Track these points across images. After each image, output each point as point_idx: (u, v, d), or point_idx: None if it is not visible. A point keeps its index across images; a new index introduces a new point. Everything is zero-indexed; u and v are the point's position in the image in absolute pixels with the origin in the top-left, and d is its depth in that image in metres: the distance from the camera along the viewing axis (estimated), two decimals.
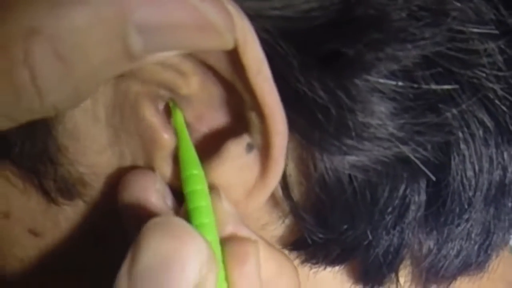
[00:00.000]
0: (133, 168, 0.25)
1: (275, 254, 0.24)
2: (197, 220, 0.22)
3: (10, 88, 0.19)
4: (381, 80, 0.22)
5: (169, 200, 0.25)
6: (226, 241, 0.23)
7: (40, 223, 0.27)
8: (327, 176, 0.23)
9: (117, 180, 0.25)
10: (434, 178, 0.24)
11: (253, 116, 0.23)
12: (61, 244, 0.27)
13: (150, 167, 0.25)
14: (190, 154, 0.24)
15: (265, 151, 0.23)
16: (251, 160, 0.23)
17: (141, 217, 0.23)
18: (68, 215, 0.27)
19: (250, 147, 0.23)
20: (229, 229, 0.23)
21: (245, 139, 0.23)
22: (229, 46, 0.20)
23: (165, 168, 0.24)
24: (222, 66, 0.22)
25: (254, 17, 0.21)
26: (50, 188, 0.26)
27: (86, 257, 0.28)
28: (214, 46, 0.20)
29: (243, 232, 0.23)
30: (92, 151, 0.25)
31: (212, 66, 0.22)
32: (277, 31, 0.21)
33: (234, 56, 0.21)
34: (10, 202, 0.27)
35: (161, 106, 0.24)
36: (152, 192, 0.24)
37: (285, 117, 0.22)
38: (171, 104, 0.24)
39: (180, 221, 0.21)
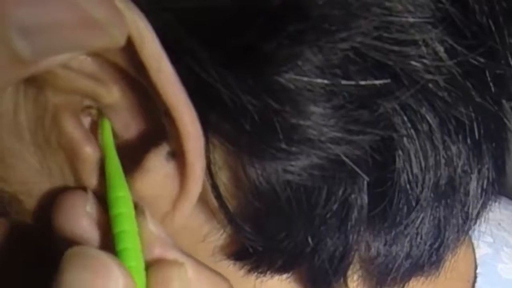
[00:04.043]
0: (63, 187, 0.24)
1: (208, 274, 0.23)
2: (120, 245, 0.22)
3: None
4: (306, 79, 0.20)
5: (100, 222, 0.23)
6: (151, 266, 0.22)
7: None
8: (258, 183, 0.22)
9: (50, 197, 0.24)
10: (367, 178, 0.23)
11: (166, 121, 0.21)
12: (5, 263, 0.26)
13: (79, 183, 0.24)
14: (115, 173, 0.23)
15: (182, 158, 0.21)
16: (172, 169, 0.22)
17: (71, 243, 0.22)
18: (4, 233, 0.25)
19: (170, 156, 0.22)
20: (156, 252, 0.22)
21: (165, 148, 0.22)
22: (119, 43, 0.19)
23: (93, 181, 0.23)
24: (131, 68, 0.21)
25: (155, 11, 0.20)
26: None
27: (29, 274, 0.26)
28: (102, 44, 0.19)
29: (171, 254, 0.23)
30: (21, 169, 0.24)
31: (124, 69, 0.21)
32: (182, 25, 0.20)
33: (135, 55, 0.20)
34: None
35: (85, 117, 0.23)
36: (82, 216, 0.23)
37: (199, 118, 0.21)
38: (98, 116, 0.23)
39: (97, 253, 0.21)
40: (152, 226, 0.22)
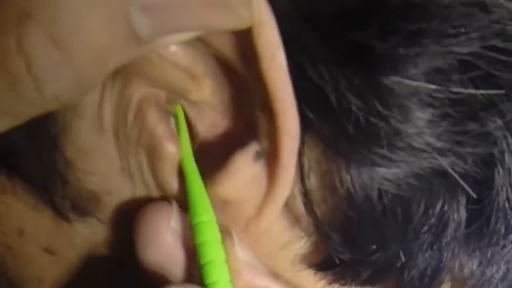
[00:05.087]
0: (146, 196, 0.23)
1: None
2: (209, 278, 0.21)
3: (5, 79, 0.17)
4: (415, 83, 0.19)
5: (185, 234, 0.23)
6: None
7: (55, 241, 0.25)
8: (354, 190, 0.21)
9: (129, 198, 0.23)
10: (474, 195, 0.21)
11: (261, 117, 0.20)
12: (79, 264, 0.26)
13: (158, 185, 0.23)
14: (198, 193, 0.22)
15: (273, 157, 0.21)
16: (260, 170, 0.21)
17: (156, 261, 0.22)
18: (82, 233, 0.25)
19: (258, 155, 0.21)
20: (245, 279, 0.22)
21: (253, 147, 0.21)
22: (245, 24, 0.18)
23: (173, 184, 0.23)
24: (235, 56, 0.20)
25: None
26: (60, 204, 0.24)
27: (104, 279, 0.26)
28: (229, 25, 0.18)
29: (260, 280, 0.22)
30: (101, 165, 0.23)
31: (224, 58, 0.20)
32: (299, 13, 0.19)
33: (247, 42, 0.19)
34: (23, 219, 0.25)
35: (169, 115, 0.22)
36: (167, 232, 0.22)
37: (298, 117, 0.20)
38: (176, 113, 0.22)
39: None
40: (240, 252, 0.21)
